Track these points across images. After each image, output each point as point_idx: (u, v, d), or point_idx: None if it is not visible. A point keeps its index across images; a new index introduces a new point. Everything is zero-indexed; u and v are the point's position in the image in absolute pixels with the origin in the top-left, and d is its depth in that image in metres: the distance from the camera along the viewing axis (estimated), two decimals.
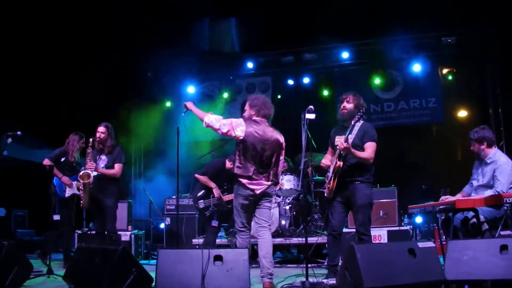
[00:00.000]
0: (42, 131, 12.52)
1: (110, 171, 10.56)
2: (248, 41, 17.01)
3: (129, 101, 17.53)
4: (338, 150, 8.27)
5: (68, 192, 11.72)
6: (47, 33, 15.30)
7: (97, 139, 10.57)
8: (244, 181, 8.45)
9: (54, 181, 11.81)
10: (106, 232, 10.58)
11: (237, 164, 8.54)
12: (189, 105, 8.90)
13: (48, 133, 12.43)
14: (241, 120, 8.60)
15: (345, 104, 8.64)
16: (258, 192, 8.49)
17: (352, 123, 8.38)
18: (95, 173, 10.45)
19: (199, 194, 12.71)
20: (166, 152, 15.44)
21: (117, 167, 10.63)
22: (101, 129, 10.65)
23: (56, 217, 11.81)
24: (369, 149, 8.42)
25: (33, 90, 15.90)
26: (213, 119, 8.49)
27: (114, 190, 10.68)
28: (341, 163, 8.27)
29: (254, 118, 8.71)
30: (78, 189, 11.23)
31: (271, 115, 8.95)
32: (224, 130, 8.46)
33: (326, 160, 8.75)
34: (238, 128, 8.47)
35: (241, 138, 8.46)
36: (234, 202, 8.71)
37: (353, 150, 8.17)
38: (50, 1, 14.68)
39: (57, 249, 13.25)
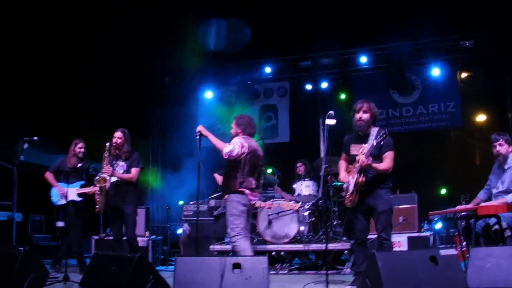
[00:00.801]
0: (59, 136, 12.50)
1: (126, 176, 10.49)
2: (265, 45, 16.97)
3: (148, 105, 17.56)
4: (358, 166, 8.20)
5: (61, 200, 11.66)
6: (64, 40, 15.31)
7: (114, 144, 10.50)
8: (247, 191, 8.86)
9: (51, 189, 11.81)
10: (125, 239, 10.52)
11: (239, 179, 8.88)
12: (204, 131, 9.04)
13: (64, 138, 12.39)
14: (240, 137, 9.00)
15: (361, 114, 8.45)
16: (253, 203, 9.03)
17: (369, 132, 8.38)
18: (113, 179, 10.43)
19: (211, 196, 12.84)
20: (185, 157, 15.38)
21: (134, 171, 10.55)
22: (117, 134, 10.60)
23: (60, 224, 11.80)
24: (388, 159, 8.35)
25: (50, 96, 15.93)
26: (228, 149, 8.80)
27: (133, 197, 10.61)
28: (364, 178, 8.24)
29: (240, 136, 9.08)
30: (79, 195, 11.38)
31: (255, 133, 9.33)
32: (241, 151, 8.83)
33: (344, 173, 8.68)
34: (244, 144, 8.85)
35: (246, 152, 8.83)
36: (234, 211, 8.89)
37: (374, 165, 8.14)
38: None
39: (72, 255, 13.31)
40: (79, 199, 11.41)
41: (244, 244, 8.79)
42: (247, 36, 16.65)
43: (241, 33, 16.62)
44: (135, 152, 10.74)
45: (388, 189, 8.55)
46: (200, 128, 9.01)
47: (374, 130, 8.41)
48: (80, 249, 11.62)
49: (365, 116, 8.43)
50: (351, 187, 8.38)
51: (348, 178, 8.52)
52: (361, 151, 8.28)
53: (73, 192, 11.41)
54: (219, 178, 12.41)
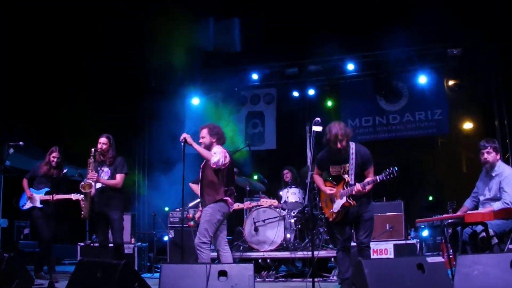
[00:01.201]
0: (45, 141, 12.45)
1: (111, 182, 10.41)
2: (252, 52, 16.94)
3: (134, 112, 17.51)
4: (350, 191, 8.31)
5: (28, 204, 11.63)
6: (50, 39, 15.25)
7: (99, 150, 10.44)
8: (230, 200, 9.18)
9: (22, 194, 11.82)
10: (113, 245, 10.46)
11: (223, 188, 9.14)
12: (188, 138, 9.12)
13: (51, 143, 12.33)
14: (221, 147, 9.27)
15: (339, 145, 8.35)
16: (231, 210, 9.35)
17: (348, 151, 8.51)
18: (98, 185, 10.37)
19: (191, 203, 12.81)
20: (170, 163, 15.31)
21: (119, 177, 10.48)
22: (102, 140, 10.55)
23: (26, 231, 11.85)
24: (371, 173, 8.50)
25: (36, 99, 15.84)
26: (216, 158, 8.98)
27: (119, 203, 10.54)
28: (354, 202, 8.37)
29: (215, 145, 9.27)
30: (41, 202, 11.50)
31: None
32: (225, 161, 9.09)
33: (328, 189, 8.67)
34: (227, 154, 9.15)
35: (228, 162, 9.14)
36: (211, 218, 9.07)
37: (367, 188, 8.28)
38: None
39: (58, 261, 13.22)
40: (40, 206, 11.44)
41: (207, 255, 9.02)
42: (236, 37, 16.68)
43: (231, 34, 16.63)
44: (119, 157, 10.67)
45: (371, 197, 8.72)
46: (184, 135, 9.06)
47: (352, 148, 8.50)
48: (45, 252, 11.54)
49: (343, 143, 8.39)
50: (336, 207, 8.47)
51: (332, 195, 8.60)
52: (342, 171, 8.51)
53: (37, 198, 11.45)
54: (195, 187, 12.37)
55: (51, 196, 11.20)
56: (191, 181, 12.52)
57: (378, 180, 8.19)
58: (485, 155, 8.88)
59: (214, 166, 8.93)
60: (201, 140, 9.18)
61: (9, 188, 12.65)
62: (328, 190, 8.66)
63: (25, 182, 11.75)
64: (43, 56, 15.40)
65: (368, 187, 8.24)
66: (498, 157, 8.91)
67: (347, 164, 8.40)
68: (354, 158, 8.36)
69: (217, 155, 8.94)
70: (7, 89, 14.97)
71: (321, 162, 8.83)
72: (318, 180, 8.94)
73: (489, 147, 8.86)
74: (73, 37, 15.49)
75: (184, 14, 15.03)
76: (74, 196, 11.04)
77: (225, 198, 9.08)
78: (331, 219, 8.63)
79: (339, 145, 8.32)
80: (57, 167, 11.68)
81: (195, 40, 16.59)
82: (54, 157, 11.63)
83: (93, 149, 10.33)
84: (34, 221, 11.69)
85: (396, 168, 8.12)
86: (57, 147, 11.78)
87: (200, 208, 9.68)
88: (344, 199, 8.36)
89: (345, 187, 8.41)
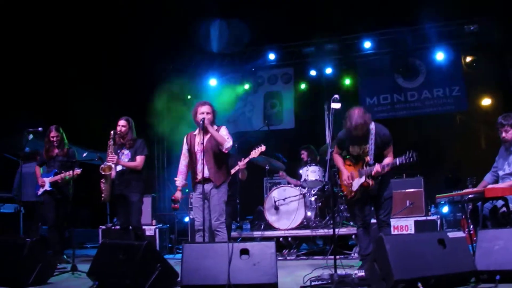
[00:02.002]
0: (64, 126, 12.48)
1: (132, 164, 10.41)
2: (269, 32, 16.92)
3: (152, 95, 17.54)
4: (369, 172, 8.31)
5: (40, 191, 11.67)
6: (68, 27, 15.32)
7: (118, 132, 10.44)
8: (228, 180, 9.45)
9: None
10: (130, 228, 10.51)
11: (228, 169, 9.52)
12: (207, 121, 9.10)
13: (69, 128, 12.36)
14: (226, 129, 9.37)
15: (359, 133, 8.38)
16: None
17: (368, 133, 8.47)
18: (119, 167, 10.41)
19: None
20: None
21: (139, 159, 10.48)
22: (121, 122, 10.54)
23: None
24: (391, 153, 8.52)
25: (55, 86, 15.90)
26: (229, 144, 9.12)
27: (139, 185, 10.53)
28: (373, 182, 8.36)
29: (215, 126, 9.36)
30: (51, 184, 11.46)
31: None
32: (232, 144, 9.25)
33: (347, 175, 8.67)
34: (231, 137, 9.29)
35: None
36: (224, 197, 9.26)
37: (386, 170, 8.26)
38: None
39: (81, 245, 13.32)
40: (50, 188, 11.48)
41: (226, 234, 9.14)
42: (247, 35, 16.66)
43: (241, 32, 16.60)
44: (139, 140, 10.67)
45: (389, 176, 8.69)
46: (205, 116, 9.01)
47: (372, 128, 8.45)
48: (52, 236, 11.61)
49: (364, 130, 8.39)
50: (355, 186, 8.48)
51: (352, 174, 8.62)
52: (362, 152, 8.53)
53: (47, 181, 11.51)
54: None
55: (57, 177, 11.32)
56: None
57: (398, 163, 8.16)
58: (503, 134, 8.81)
59: (226, 152, 9.03)
60: (208, 115, 9.08)
61: None
62: (346, 173, 8.67)
63: (37, 169, 11.78)
64: (57, 42, 15.49)
65: (387, 169, 8.25)
66: None
67: (367, 145, 8.38)
68: (373, 139, 8.34)
69: (230, 141, 9.04)
70: (23, 76, 15.08)
71: (341, 142, 8.83)
72: (338, 160, 8.91)
73: (506, 125, 8.78)
74: (90, 19, 15.57)
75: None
76: (75, 171, 10.99)
77: (228, 178, 9.37)
78: (349, 197, 8.64)
79: (359, 133, 8.34)
80: (59, 145, 11.63)
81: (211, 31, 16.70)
82: (53, 136, 11.55)
83: (112, 132, 10.32)
84: (44, 207, 11.76)
85: (415, 153, 8.10)
86: (55, 125, 11.72)
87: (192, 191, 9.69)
88: (363, 179, 8.36)
89: (364, 167, 8.43)
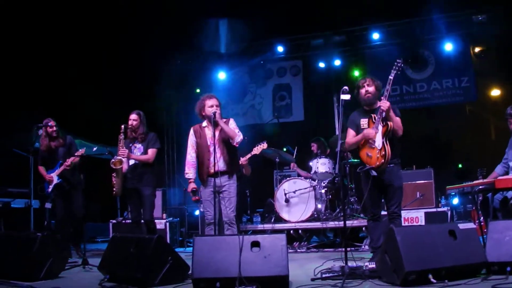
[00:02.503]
0: (72, 122, 12.50)
1: (143, 157, 10.41)
2: (277, 25, 16.91)
3: (161, 89, 17.57)
4: (380, 114, 8.30)
5: (50, 187, 11.70)
6: (76, 22, 15.34)
7: (129, 126, 10.46)
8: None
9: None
10: (142, 221, 10.54)
11: (238, 160, 9.62)
12: (218, 115, 9.05)
13: (77, 124, 12.40)
14: (234, 121, 9.43)
15: (367, 88, 8.69)
16: None
17: (376, 106, 8.51)
18: (132, 161, 10.44)
19: None
20: None
21: (151, 152, 10.48)
22: (133, 116, 10.54)
23: (48, 205, 11.97)
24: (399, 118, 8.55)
25: (64, 82, 15.94)
26: (240, 138, 9.16)
27: (151, 179, 10.54)
28: (391, 123, 8.32)
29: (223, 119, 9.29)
30: (59, 176, 11.48)
31: None
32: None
33: (370, 129, 8.62)
34: None
35: None
36: (235, 191, 9.33)
37: (391, 112, 8.32)
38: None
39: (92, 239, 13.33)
40: (59, 180, 11.50)
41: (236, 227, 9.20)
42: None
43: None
44: (151, 133, 10.68)
45: (399, 165, 8.72)
46: (215, 110, 8.99)
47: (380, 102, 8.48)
48: (60, 230, 11.61)
49: (371, 89, 8.66)
50: (379, 142, 8.34)
51: (369, 135, 8.49)
52: (371, 121, 8.52)
53: (54, 175, 11.53)
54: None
55: (61, 167, 11.35)
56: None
57: (391, 77, 8.40)
58: (510, 126, 8.86)
59: (237, 145, 9.05)
60: (217, 109, 9.05)
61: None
62: (365, 131, 8.55)
63: (41, 169, 11.79)
64: (61, 40, 15.53)
65: (392, 114, 8.31)
66: None
67: (375, 114, 8.45)
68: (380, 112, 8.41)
69: (240, 134, 9.07)
70: (31, 74, 15.13)
71: (352, 119, 8.86)
72: (354, 138, 8.81)
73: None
74: (89, 20, 15.61)
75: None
76: (78, 152, 11.02)
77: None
78: (380, 162, 8.36)
79: (363, 91, 8.71)
80: (57, 137, 11.62)
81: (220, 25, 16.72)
82: (51, 126, 11.51)
83: (123, 126, 10.34)
84: (55, 199, 11.81)
85: (399, 60, 8.57)
86: (49, 118, 11.66)
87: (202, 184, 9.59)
88: (380, 128, 8.32)
89: (373, 121, 8.47)
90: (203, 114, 9.18)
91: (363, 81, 8.78)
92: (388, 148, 8.25)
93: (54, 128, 11.53)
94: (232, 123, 9.21)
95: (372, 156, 8.40)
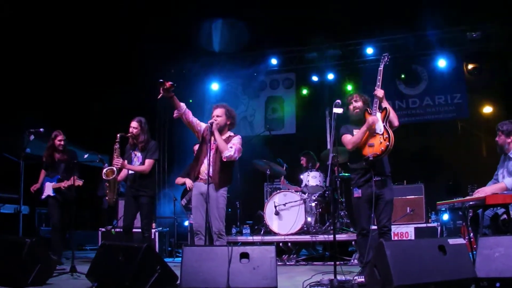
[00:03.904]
0: (66, 128, 12.47)
1: (139, 168, 10.41)
2: (271, 37, 16.94)
3: (154, 97, 17.55)
4: (376, 103, 8.52)
5: (44, 194, 11.74)
6: (68, 29, 15.35)
7: (130, 134, 10.47)
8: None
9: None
10: (139, 230, 10.60)
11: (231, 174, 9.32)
12: (215, 125, 8.97)
13: (71, 130, 12.36)
14: (239, 139, 9.21)
15: (354, 104, 8.84)
16: None
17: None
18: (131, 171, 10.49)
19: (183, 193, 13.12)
20: (191, 148, 15.35)
21: (147, 163, 10.46)
22: (133, 124, 10.53)
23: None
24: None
25: (57, 87, 15.92)
26: (229, 153, 8.92)
27: (150, 188, 10.60)
28: (389, 107, 8.54)
29: (227, 130, 9.29)
30: (54, 190, 11.58)
31: None
32: (238, 156, 9.15)
33: (372, 116, 8.60)
34: (241, 149, 9.17)
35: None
36: (224, 203, 9.16)
37: (385, 101, 8.62)
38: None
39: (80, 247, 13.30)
40: (53, 194, 11.59)
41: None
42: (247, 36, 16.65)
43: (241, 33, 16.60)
44: (152, 142, 10.71)
45: (390, 179, 8.74)
46: (214, 120, 8.96)
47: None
48: (55, 239, 11.66)
49: (358, 104, 8.80)
50: (380, 127, 8.40)
51: (374, 120, 8.51)
52: (367, 114, 8.66)
53: (50, 187, 11.54)
54: (181, 180, 12.91)
55: (59, 184, 11.38)
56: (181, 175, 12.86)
57: (381, 68, 8.74)
58: (496, 138, 8.95)
59: (225, 160, 8.92)
60: (216, 119, 9.00)
61: (30, 175, 12.67)
62: (369, 118, 8.53)
63: (42, 173, 11.83)
64: (57, 45, 15.53)
65: (379, 85, 8.57)
66: (509, 140, 8.88)
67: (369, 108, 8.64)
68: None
69: (232, 150, 8.88)
70: (25, 78, 15.10)
71: (346, 128, 8.88)
72: (358, 133, 8.69)
73: (498, 131, 8.93)
74: (81, 27, 15.61)
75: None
76: (76, 182, 10.96)
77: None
78: (386, 143, 8.26)
79: (351, 107, 8.88)
80: (63, 151, 11.72)
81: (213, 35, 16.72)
82: (60, 140, 11.64)
83: (118, 135, 10.32)
84: (49, 209, 11.84)
85: (386, 55, 8.92)
86: (59, 130, 11.80)
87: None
88: (379, 115, 8.44)
89: (369, 113, 8.57)
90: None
91: (350, 97, 8.94)
92: (390, 131, 8.35)
93: (62, 143, 11.69)
94: (235, 140, 9.10)
95: (375, 143, 8.39)
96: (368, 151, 8.42)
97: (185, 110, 9.01)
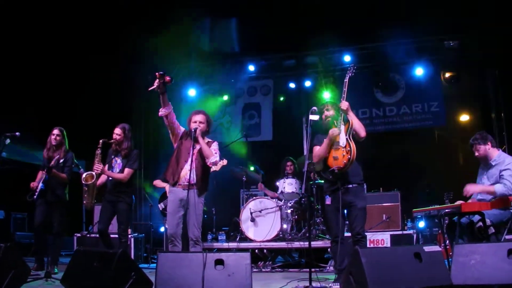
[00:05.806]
0: (42, 132, 12.38)
1: (118, 175, 10.45)
2: (249, 44, 16.93)
3: (130, 102, 17.48)
4: (340, 117, 8.52)
5: (36, 194, 11.56)
6: (53, 33, 15.27)
7: (113, 140, 10.50)
8: None
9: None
10: (116, 236, 10.55)
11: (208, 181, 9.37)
12: (199, 132, 9.02)
13: (46, 135, 12.26)
14: (217, 145, 9.37)
15: (326, 113, 8.90)
16: None
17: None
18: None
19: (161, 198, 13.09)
20: (167, 154, 15.33)
21: (126, 172, 10.49)
22: (117, 130, 10.57)
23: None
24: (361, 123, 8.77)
25: (34, 90, 15.82)
26: (214, 159, 9.08)
27: (129, 194, 10.66)
28: (352, 120, 8.47)
29: (205, 137, 9.31)
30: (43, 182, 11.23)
31: None
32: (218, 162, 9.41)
33: (333, 129, 8.65)
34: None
35: None
36: (201, 210, 9.21)
37: (350, 113, 8.51)
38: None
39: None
40: (42, 186, 11.17)
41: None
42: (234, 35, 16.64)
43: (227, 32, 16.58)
44: (134, 151, 10.76)
45: (363, 186, 8.81)
46: (197, 126, 8.99)
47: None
48: (37, 240, 11.51)
49: (330, 113, 8.86)
50: (342, 140, 8.41)
51: (334, 132, 8.57)
52: (333, 126, 8.71)
53: (40, 182, 11.31)
54: (155, 183, 12.74)
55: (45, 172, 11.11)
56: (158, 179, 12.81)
57: (346, 80, 8.89)
58: (476, 153, 9.08)
59: (210, 165, 9.00)
60: (199, 125, 9.04)
61: (5, 180, 12.59)
62: (329, 131, 8.63)
63: (40, 174, 11.65)
64: (42, 49, 15.43)
65: (351, 114, 8.49)
66: (489, 146, 8.96)
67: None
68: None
69: (217, 156, 9.05)
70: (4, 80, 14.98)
71: (318, 139, 8.94)
72: (321, 147, 8.80)
73: (474, 145, 9.08)
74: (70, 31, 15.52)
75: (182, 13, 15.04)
76: (62, 175, 10.91)
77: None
78: (348, 156, 8.31)
79: (323, 116, 8.90)
80: (57, 146, 11.39)
81: (192, 40, 16.63)
82: (54, 134, 11.32)
83: (101, 141, 10.32)
84: (37, 210, 11.59)
85: (352, 66, 9.20)
86: (58, 127, 11.55)
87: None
88: (342, 128, 8.44)
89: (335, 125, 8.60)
90: (189, 128, 9.14)
91: (322, 106, 9.01)
92: (352, 144, 8.34)
93: (53, 136, 11.35)
94: (214, 146, 9.24)
95: (338, 156, 8.44)
96: (333, 164, 8.49)
97: (171, 110, 8.98)
